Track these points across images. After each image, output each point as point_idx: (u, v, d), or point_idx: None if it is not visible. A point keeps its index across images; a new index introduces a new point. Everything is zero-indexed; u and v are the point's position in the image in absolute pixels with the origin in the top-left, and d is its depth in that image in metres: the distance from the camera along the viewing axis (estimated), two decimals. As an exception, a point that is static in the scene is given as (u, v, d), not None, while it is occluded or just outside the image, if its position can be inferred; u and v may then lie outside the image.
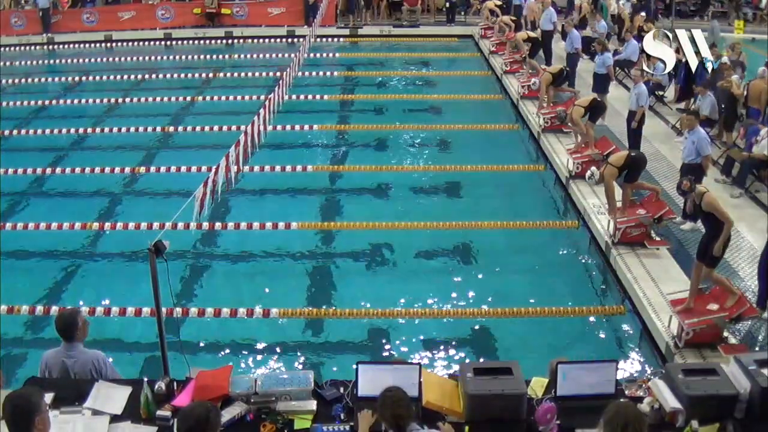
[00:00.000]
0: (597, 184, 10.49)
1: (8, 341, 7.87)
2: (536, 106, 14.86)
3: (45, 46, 23.65)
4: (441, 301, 8.90)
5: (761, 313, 7.84)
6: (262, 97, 13.34)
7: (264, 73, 18.99)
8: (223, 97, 17.23)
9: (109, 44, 23.57)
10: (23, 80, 19.06)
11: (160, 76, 19.66)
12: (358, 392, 4.83)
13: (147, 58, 22.01)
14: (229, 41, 23.84)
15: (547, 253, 10.22)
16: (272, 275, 9.76)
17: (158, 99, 17.09)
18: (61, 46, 23.62)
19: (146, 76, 19.80)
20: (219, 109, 16.64)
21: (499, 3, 22.76)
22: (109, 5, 25.78)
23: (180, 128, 15.40)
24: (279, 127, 13.37)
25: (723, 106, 13.10)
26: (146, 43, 23.39)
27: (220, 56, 22.60)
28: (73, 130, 15.01)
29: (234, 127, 12.80)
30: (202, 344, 8.11)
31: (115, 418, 4.68)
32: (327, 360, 7.93)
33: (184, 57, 21.85)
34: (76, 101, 17.39)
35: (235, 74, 19.46)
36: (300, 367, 7.65)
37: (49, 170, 12.94)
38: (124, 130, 14.71)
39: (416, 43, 23.00)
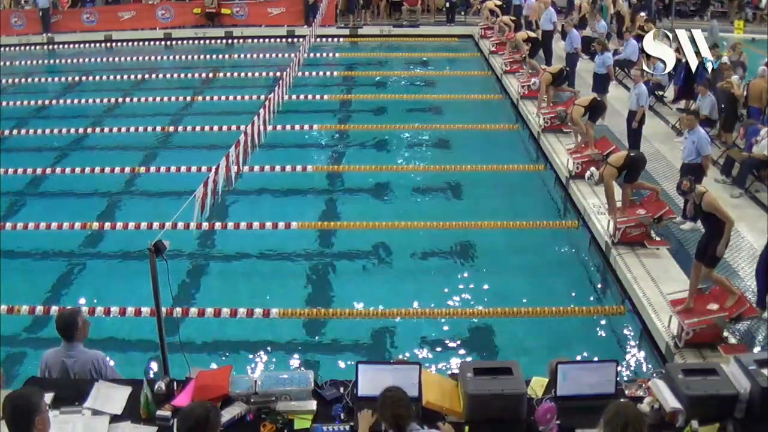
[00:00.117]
0: (597, 184, 10.49)
1: (8, 341, 7.86)
2: (536, 106, 14.86)
3: (45, 46, 23.65)
4: (441, 301, 8.90)
5: (761, 313, 7.84)
6: (262, 97, 13.34)
7: (264, 73, 19.00)
8: (223, 97, 17.23)
9: (109, 44, 23.56)
10: (23, 80, 19.06)
11: (160, 76, 19.66)
12: (358, 392, 4.83)
13: (147, 58, 22.01)
14: (229, 41, 23.84)
15: (547, 253, 10.22)
16: (272, 275, 9.76)
17: (158, 99, 17.09)
18: (61, 46, 23.62)
19: (146, 76, 19.80)
20: (219, 109, 16.64)
21: (499, 3, 22.76)
22: (109, 5, 25.78)
23: (180, 128, 15.40)
24: (279, 127, 13.37)
25: (723, 106, 13.10)
26: (146, 43, 23.39)
27: (220, 56, 22.60)
28: (73, 130, 15.00)
29: (234, 127, 12.80)
30: (202, 344, 8.10)
31: (115, 418, 4.68)
32: (327, 360, 7.93)
33: (184, 57, 21.85)
34: (76, 101, 17.38)
35: (235, 74, 19.47)
36: (300, 367, 7.65)
37: (49, 170, 12.94)
38: (124, 130, 14.71)
39: (416, 43, 23.00)
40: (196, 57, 22.05)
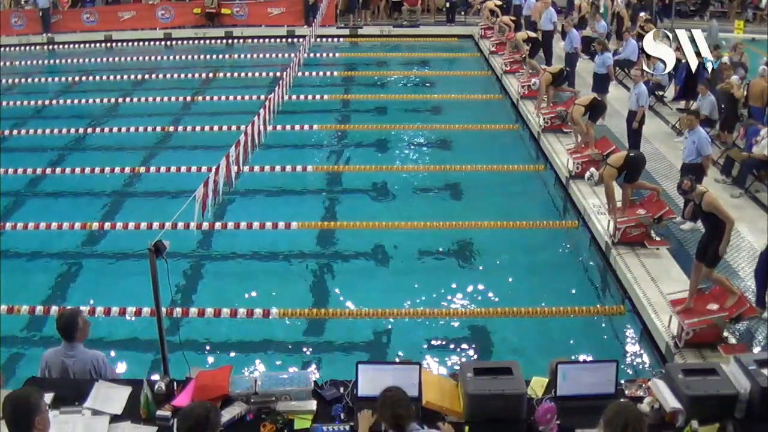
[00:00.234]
0: (596, 185, 10.49)
1: (8, 341, 7.87)
2: (536, 106, 14.86)
3: (45, 46, 23.64)
4: (441, 301, 8.90)
5: (761, 313, 7.84)
6: (262, 97, 13.33)
7: (264, 73, 18.99)
8: (223, 97, 17.23)
9: (109, 44, 23.56)
10: (23, 80, 19.05)
11: (160, 76, 19.66)
12: (358, 392, 4.83)
13: (147, 58, 22.00)
14: (229, 41, 23.83)
15: (547, 253, 10.22)
16: (272, 275, 9.76)
17: (158, 99, 17.08)
18: (61, 46, 23.61)
19: (146, 76, 19.80)
20: (219, 109, 16.64)
21: (499, 3, 22.74)
22: (109, 5, 25.75)
23: (180, 128, 15.40)
24: (279, 127, 13.36)
25: (723, 106, 13.10)
26: (146, 43, 23.38)
27: (220, 56, 22.59)
28: (73, 130, 15.01)
29: (234, 127, 12.80)
30: (202, 344, 8.11)
31: (115, 418, 4.68)
32: (327, 360, 7.94)
33: (184, 57, 21.85)
34: (76, 101, 17.38)
35: (235, 74, 19.46)
36: (300, 367, 7.65)
37: (49, 170, 12.95)
38: (124, 130, 14.71)
39: (416, 43, 22.99)
40: (196, 57, 22.03)
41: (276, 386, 4.87)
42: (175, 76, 19.37)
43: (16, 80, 19.03)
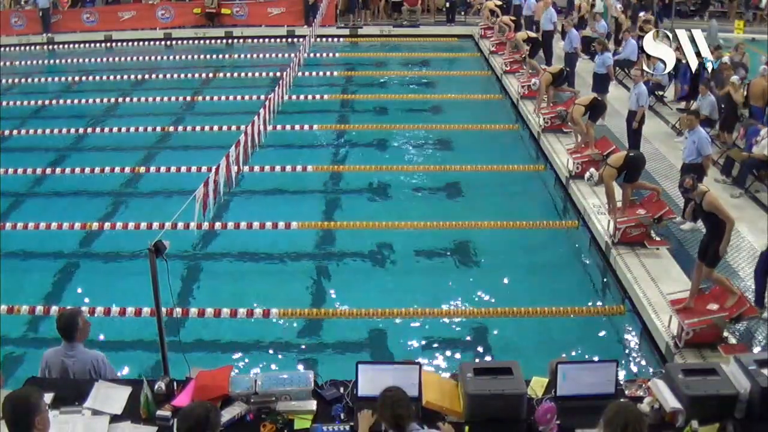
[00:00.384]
0: (596, 185, 10.48)
1: (8, 341, 7.87)
2: (536, 106, 14.87)
3: (45, 46, 23.64)
4: (441, 301, 8.90)
5: (761, 313, 7.83)
6: (262, 97, 13.33)
7: (264, 73, 18.99)
8: (223, 97, 17.22)
9: (109, 44, 23.56)
10: (23, 80, 19.05)
11: (160, 76, 19.65)
12: (358, 392, 4.84)
13: (147, 58, 21.99)
14: (229, 41, 23.83)
15: (547, 253, 10.22)
16: (272, 275, 9.76)
17: (158, 99, 17.08)
18: (61, 46, 23.61)
19: (146, 76, 19.79)
20: (219, 109, 16.63)
21: (499, 3, 22.75)
22: (109, 5, 25.76)
23: (180, 128, 15.39)
24: (279, 127, 13.37)
25: (723, 106, 13.10)
26: (146, 43, 23.38)
27: (220, 56, 22.59)
28: (73, 130, 15.01)
29: (234, 127, 12.80)
30: (202, 344, 8.11)
31: (115, 418, 4.68)
32: (327, 360, 7.93)
33: (184, 57, 21.85)
34: (76, 101, 17.38)
35: (235, 74, 19.47)
36: (300, 367, 7.65)
37: (49, 170, 12.94)
38: (124, 130, 14.71)
39: (416, 43, 22.99)
40: (196, 57, 22.04)
41: (276, 386, 4.87)
42: (175, 76, 19.37)
43: (16, 80, 19.02)
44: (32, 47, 23.47)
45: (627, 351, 8.12)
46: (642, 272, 8.95)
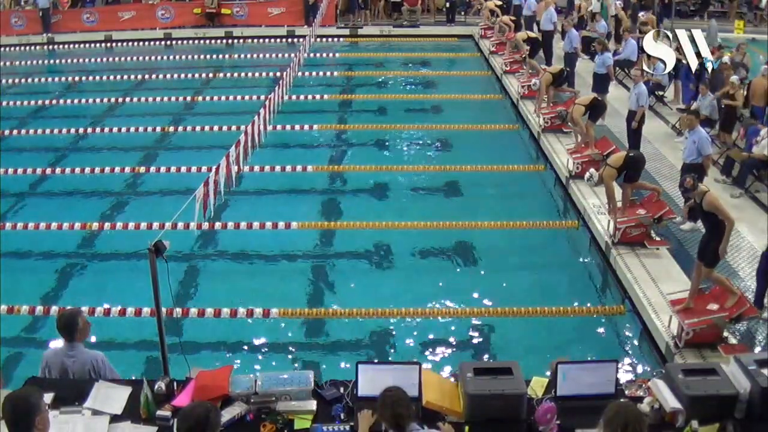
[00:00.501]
0: (596, 185, 10.48)
1: (8, 341, 7.87)
2: (536, 106, 14.87)
3: (45, 46, 23.64)
4: (441, 301, 8.90)
5: (761, 313, 7.83)
6: (262, 97, 13.33)
7: (264, 73, 18.98)
8: (223, 97, 17.22)
9: (109, 44, 23.56)
10: (23, 80, 19.05)
11: (160, 76, 19.65)
12: (358, 392, 4.84)
13: (147, 58, 21.99)
14: (229, 41, 23.83)
15: (547, 253, 10.22)
16: (272, 275, 9.76)
17: (158, 99, 17.07)
18: (61, 46, 23.61)
19: (146, 76, 19.79)
20: (219, 109, 16.63)
21: (500, 3, 22.75)
22: (109, 5, 25.75)
23: (180, 128, 15.38)
24: (279, 127, 13.37)
25: (723, 106, 13.10)
26: (146, 43, 23.38)
27: (220, 56, 22.60)
28: (73, 130, 15.00)
29: (234, 127, 12.80)
30: (202, 344, 8.10)
31: (115, 418, 4.68)
32: (327, 360, 7.93)
33: (184, 57, 21.85)
34: (76, 101, 17.38)
35: (235, 74, 19.47)
36: (300, 367, 7.65)
37: (49, 170, 12.94)
38: (124, 130, 14.70)
39: (416, 43, 23.00)
40: (196, 57, 22.04)
41: (276, 386, 4.87)
42: (175, 76, 19.36)
43: (16, 80, 19.01)
44: (32, 47, 23.47)
45: (627, 351, 8.11)
46: (642, 272, 8.95)
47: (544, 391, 4.96)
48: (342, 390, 4.94)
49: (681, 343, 7.44)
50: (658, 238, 9.64)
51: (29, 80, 19.14)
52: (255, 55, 21.31)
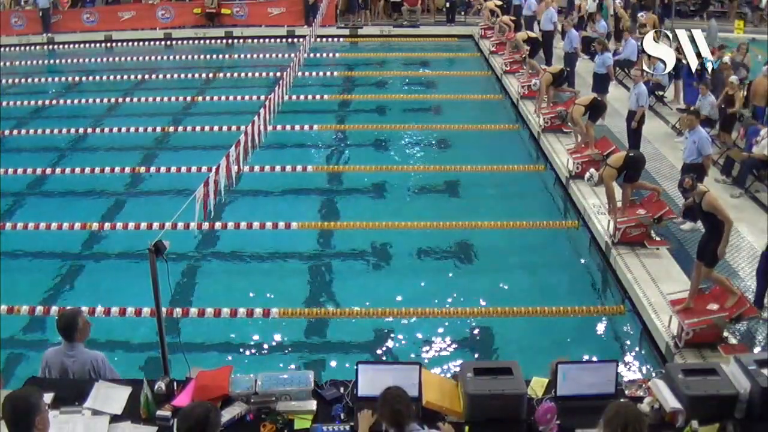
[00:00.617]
0: (596, 185, 10.48)
1: (8, 341, 7.87)
2: (536, 106, 14.87)
3: (45, 46, 23.64)
4: (441, 301, 8.89)
5: (761, 313, 7.83)
6: (262, 97, 13.33)
7: (264, 73, 18.98)
8: (223, 97, 17.22)
9: (109, 44, 23.55)
10: (23, 80, 19.05)
11: (160, 76, 19.66)
12: (358, 392, 4.84)
13: (147, 58, 21.99)
14: (229, 41, 23.83)
15: (547, 253, 10.22)
16: (272, 275, 9.76)
17: (158, 99, 17.07)
18: (61, 46, 23.60)
19: (146, 76, 19.79)
20: (219, 109, 16.63)
21: (500, 3, 22.76)
22: (109, 5, 25.75)
23: (180, 128, 15.38)
24: (279, 127, 13.36)
25: (723, 106, 13.10)
26: (146, 43, 23.37)
27: (220, 56, 22.60)
28: (73, 130, 15.00)
29: (234, 127, 12.80)
30: (202, 344, 8.10)
31: (115, 418, 4.68)
32: (327, 360, 7.94)
33: (184, 57, 21.85)
34: (76, 101, 17.37)
35: (235, 74, 19.46)
36: (300, 367, 7.65)
37: (49, 170, 12.93)
38: (124, 130, 14.70)
39: (416, 43, 22.99)
40: (196, 57, 22.04)
41: (276, 386, 4.87)
42: (175, 76, 19.37)
43: (16, 80, 19.01)
44: (32, 47, 23.46)
45: (627, 351, 8.11)
46: (642, 272, 8.95)
47: (544, 391, 4.96)
48: (342, 390, 4.94)
49: (681, 343, 7.44)
50: (658, 238, 9.64)
51: (29, 80, 19.13)
52: (255, 55, 21.30)
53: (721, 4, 25.77)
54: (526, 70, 16.97)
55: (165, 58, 22.53)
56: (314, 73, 18.78)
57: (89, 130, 15.14)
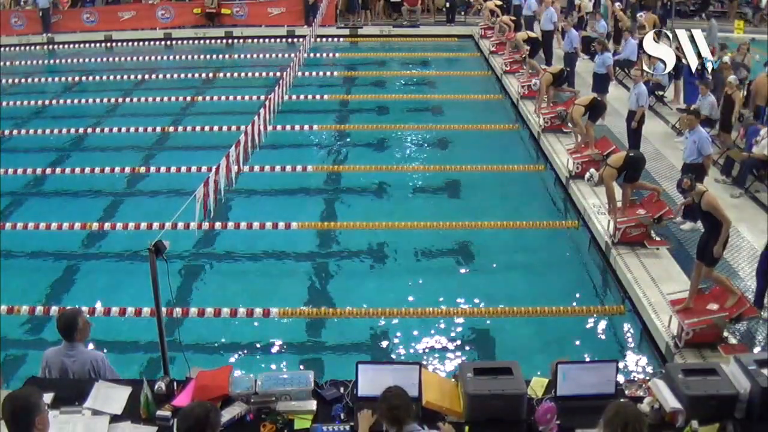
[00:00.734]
0: (596, 185, 10.48)
1: (8, 341, 7.87)
2: (536, 106, 14.87)
3: (45, 46, 23.64)
4: (441, 301, 8.89)
5: (761, 313, 7.83)
6: (262, 97, 13.34)
7: (264, 73, 18.97)
8: (223, 97, 17.22)
9: (109, 44, 23.56)
10: (23, 80, 19.05)
11: (160, 76, 19.65)
12: (358, 392, 4.84)
13: (147, 58, 22.00)
14: (229, 41, 23.83)
15: (547, 253, 10.22)
16: (272, 275, 9.76)
17: (158, 99, 17.07)
18: (61, 46, 23.61)
19: (146, 76, 19.79)
20: (219, 109, 16.63)
21: (500, 3, 22.76)
22: (109, 5, 25.75)
23: (180, 128, 15.38)
24: (279, 127, 13.36)
25: (723, 107, 13.09)
26: (146, 43, 23.38)
27: (220, 56, 22.59)
28: (73, 130, 15.00)
29: (234, 127, 12.80)
30: (202, 344, 8.10)
31: (115, 418, 4.68)
32: (327, 360, 7.93)
33: (184, 57, 21.85)
34: (76, 101, 17.38)
35: (235, 74, 19.45)
36: (300, 367, 7.65)
37: (49, 170, 12.94)
38: (124, 130, 14.69)
39: (416, 43, 22.99)
40: (196, 57, 22.04)
41: (276, 386, 4.87)
42: (175, 76, 19.36)
43: (16, 80, 19.01)
44: (32, 47, 23.46)
45: (627, 351, 8.11)
46: (642, 272, 8.95)
47: (544, 391, 4.96)
48: (342, 390, 4.94)
49: (681, 343, 7.44)
50: (658, 238, 9.64)
51: (29, 80, 19.13)
52: (255, 55, 21.30)
53: (721, 4, 25.77)
54: (526, 70, 16.97)
55: (165, 58, 22.53)
56: (314, 73, 18.78)
57: (89, 130, 15.14)
